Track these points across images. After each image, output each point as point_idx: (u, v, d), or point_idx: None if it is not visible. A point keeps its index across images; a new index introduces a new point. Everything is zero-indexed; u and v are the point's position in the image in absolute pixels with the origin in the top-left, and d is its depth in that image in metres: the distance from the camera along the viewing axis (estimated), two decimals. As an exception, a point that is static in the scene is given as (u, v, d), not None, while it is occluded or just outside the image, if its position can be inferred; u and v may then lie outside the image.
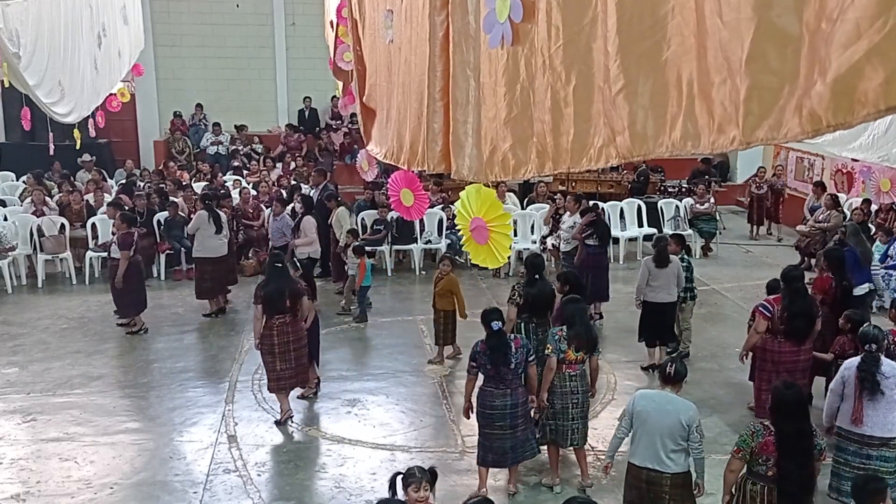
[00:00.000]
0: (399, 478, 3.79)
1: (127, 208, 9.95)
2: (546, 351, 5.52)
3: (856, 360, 5.10)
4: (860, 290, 7.76)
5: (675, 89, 1.96)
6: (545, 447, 5.77)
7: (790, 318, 6.04)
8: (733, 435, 6.27)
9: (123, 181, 12.87)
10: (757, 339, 6.21)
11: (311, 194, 10.71)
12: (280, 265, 6.64)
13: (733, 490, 4.32)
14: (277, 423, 6.65)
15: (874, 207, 11.06)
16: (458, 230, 3.86)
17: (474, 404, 5.47)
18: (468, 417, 5.60)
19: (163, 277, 10.82)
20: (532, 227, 11.47)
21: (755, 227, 13.34)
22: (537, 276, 6.43)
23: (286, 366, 6.55)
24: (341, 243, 9.35)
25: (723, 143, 1.78)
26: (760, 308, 6.21)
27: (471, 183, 3.53)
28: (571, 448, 5.77)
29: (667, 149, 2.00)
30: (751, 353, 6.92)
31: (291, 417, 6.73)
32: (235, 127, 16.17)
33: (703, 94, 1.85)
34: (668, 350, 7.87)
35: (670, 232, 11.91)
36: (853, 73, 1.41)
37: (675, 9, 1.91)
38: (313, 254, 9.34)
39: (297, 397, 7.08)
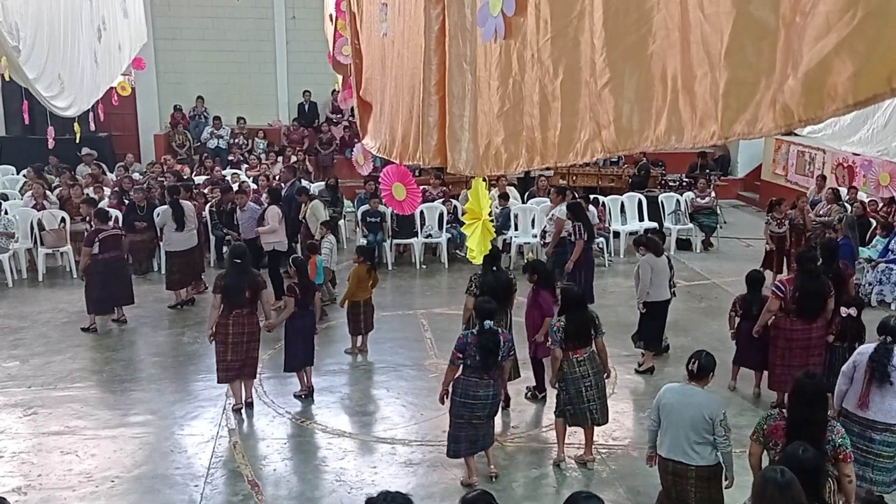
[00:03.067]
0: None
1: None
2: (548, 343, 5.62)
3: (870, 346, 5.22)
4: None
5: (661, 83, 1.95)
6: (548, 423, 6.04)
7: (802, 298, 6.34)
8: (736, 430, 6.30)
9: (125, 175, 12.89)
10: (769, 317, 6.51)
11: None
12: (240, 261, 6.71)
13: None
14: (235, 409, 6.79)
15: (864, 197, 11.12)
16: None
17: (449, 391, 5.55)
18: (443, 403, 5.66)
19: (163, 271, 10.81)
20: (532, 221, 11.45)
21: (776, 274, 9.71)
22: (494, 267, 6.59)
23: (236, 357, 6.67)
24: (317, 236, 9.15)
25: (704, 137, 1.78)
26: (773, 288, 6.58)
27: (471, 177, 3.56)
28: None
29: (651, 143, 2.00)
30: (734, 340, 7.18)
31: (251, 405, 6.85)
32: (237, 120, 16.18)
33: (687, 88, 1.85)
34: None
35: (671, 226, 11.99)
36: (823, 67, 1.40)
37: (660, 3, 1.91)
38: (278, 246, 9.31)
39: (294, 395, 7.12)
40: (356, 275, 7.78)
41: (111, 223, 9.05)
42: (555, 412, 5.95)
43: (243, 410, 6.82)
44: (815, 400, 4.07)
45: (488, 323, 5.34)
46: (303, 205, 9.84)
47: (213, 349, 6.73)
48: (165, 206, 9.41)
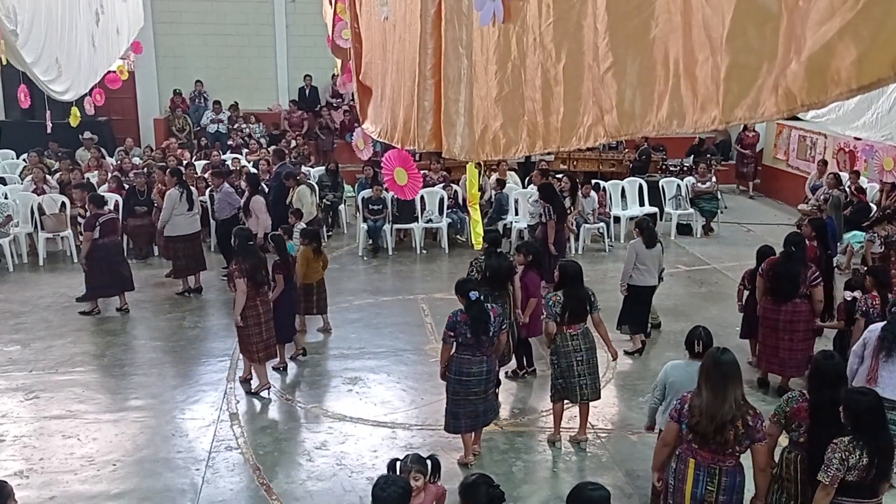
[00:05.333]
0: (398, 463, 3.85)
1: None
2: (542, 316, 5.70)
3: (880, 324, 5.23)
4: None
5: (663, 68, 1.94)
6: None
7: (772, 278, 6.46)
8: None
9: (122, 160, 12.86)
10: (760, 295, 6.69)
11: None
12: (252, 242, 6.99)
13: (775, 457, 4.33)
14: (253, 393, 6.85)
15: (865, 181, 11.11)
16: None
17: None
18: (444, 380, 5.71)
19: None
20: (533, 205, 11.41)
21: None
22: (497, 250, 6.66)
23: (269, 333, 6.89)
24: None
25: (705, 121, 1.78)
26: (760, 269, 6.73)
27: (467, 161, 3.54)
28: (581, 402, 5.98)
29: (654, 128, 1.99)
30: (741, 315, 7.39)
31: (269, 388, 6.93)
32: (231, 106, 16.10)
33: (688, 72, 1.84)
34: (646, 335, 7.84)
35: (672, 211, 11.98)
36: (826, 51, 1.38)
37: (662, -14, 1.89)
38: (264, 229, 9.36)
39: (290, 357, 7.41)
40: (303, 257, 7.78)
41: (107, 207, 9.02)
42: (551, 397, 6.02)
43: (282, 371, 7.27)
44: (836, 380, 4.10)
45: (474, 294, 5.37)
46: (290, 189, 9.86)
47: (223, 333, 6.80)
48: (173, 189, 9.25)
